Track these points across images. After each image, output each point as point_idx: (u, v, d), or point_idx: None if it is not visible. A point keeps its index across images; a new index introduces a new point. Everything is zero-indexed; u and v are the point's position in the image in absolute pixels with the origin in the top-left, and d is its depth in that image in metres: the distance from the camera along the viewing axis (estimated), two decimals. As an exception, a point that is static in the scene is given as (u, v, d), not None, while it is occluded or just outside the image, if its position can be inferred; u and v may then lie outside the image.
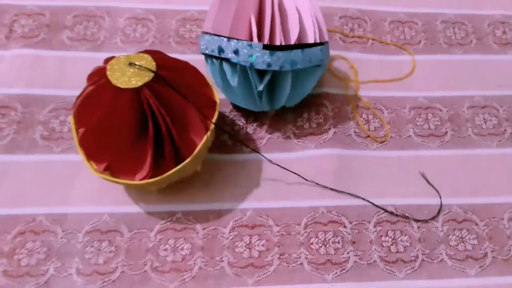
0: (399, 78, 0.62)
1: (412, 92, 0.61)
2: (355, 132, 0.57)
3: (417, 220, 0.51)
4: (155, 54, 0.42)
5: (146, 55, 0.41)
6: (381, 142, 0.56)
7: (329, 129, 0.56)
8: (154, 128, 0.42)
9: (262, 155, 0.52)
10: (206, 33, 0.49)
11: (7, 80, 0.56)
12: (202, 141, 0.43)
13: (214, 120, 0.45)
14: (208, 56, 0.50)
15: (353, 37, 0.66)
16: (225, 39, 0.46)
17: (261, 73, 0.48)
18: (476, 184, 0.54)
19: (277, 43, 0.45)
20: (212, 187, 0.51)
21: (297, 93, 0.52)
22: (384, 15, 0.68)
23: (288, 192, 0.52)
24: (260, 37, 0.46)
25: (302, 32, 0.47)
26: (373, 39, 0.66)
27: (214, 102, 0.46)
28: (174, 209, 0.49)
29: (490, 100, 0.61)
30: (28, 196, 0.49)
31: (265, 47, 0.45)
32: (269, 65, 0.46)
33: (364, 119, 0.58)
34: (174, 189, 0.50)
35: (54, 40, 0.61)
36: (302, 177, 0.51)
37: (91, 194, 0.49)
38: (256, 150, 0.50)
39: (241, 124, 0.56)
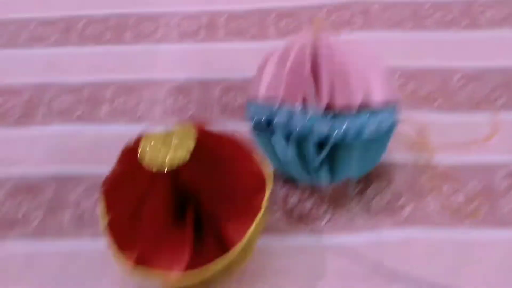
0: (483, 140, 0.52)
1: (502, 155, 0.51)
2: (435, 208, 0.46)
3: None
4: (195, 125, 0.36)
5: (184, 128, 0.35)
6: (473, 217, 0.45)
7: (404, 206, 0.46)
8: (194, 212, 0.34)
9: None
10: (254, 101, 0.43)
11: (42, 159, 0.52)
12: (253, 226, 0.35)
13: (265, 199, 0.37)
14: (256, 127, 0.43)
15: (416, 98, 0.58)
16: (276, 106, 0.40)
17: (319, 143, 0.40)
18: None
19: (339, 106, 0.38)
20: (264, 282, 0.42)
21: (364, 165, 0.43)
22: (451, 73, 0.60)
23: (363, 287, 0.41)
24: (317, 100, 0.39)
25: (367, 92, 0.39)
26: (442, 97, 0.57)
27: (264, 179, 0.38)
28: (219, 311, 0.40)
29: None
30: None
31: (324, 111, 0.38)
32: (329, 134, 0.38)
33: (444, 192, 0.48)
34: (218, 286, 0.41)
35: (94, 115, 0.57)
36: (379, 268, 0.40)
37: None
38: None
39: (296, 199, 0.48)
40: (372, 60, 0.41)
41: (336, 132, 0.38)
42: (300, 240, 0.45)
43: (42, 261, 0.44)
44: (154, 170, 0.33)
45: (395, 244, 0.43)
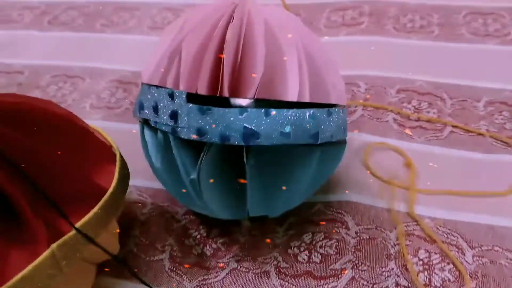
0: (497, 192, 0.34)
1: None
2: (396, 283, 0.29)
3: None
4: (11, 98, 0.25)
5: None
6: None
7: (343, 270, 0.30)
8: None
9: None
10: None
11: None
12: (93, 211, 0.22)
13: (115, 179, 0.24)
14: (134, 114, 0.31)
15: (418, 120, 0.41)
16: (147, 87, 0.27)
17: (198, 147, 0.26)
18: None
19: (225, 94, 0.24)
20: None
21: (278, 196, 0.28)
22: (475, 93, 0.43)
23: None
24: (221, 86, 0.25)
25: (273, 79, 0.25)
26: (454, 125, 0.40)
27: (110, 155, 0.26)
28: None
29: None
30: None
31: (190, 98, 0.24)
32: (200, 132, 0.24)
33: (421, 260, 0.31)
34: None
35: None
36: None
37: None
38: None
39: (197, 237, 0.34)
40: (295, 37, 0.27)
41: (210, 131, 0.24)
42: (178, 295, 0.31)
43: None
44: None
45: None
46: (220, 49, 0.26)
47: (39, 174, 0.23)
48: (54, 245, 0.23)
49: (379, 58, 0.48)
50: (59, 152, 0.25)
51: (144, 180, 0.37)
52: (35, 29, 0.60)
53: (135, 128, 0.38)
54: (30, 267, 0.22)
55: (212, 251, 0.33)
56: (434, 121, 0.41)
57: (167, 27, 0.31)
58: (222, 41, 0.26)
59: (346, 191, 0.35)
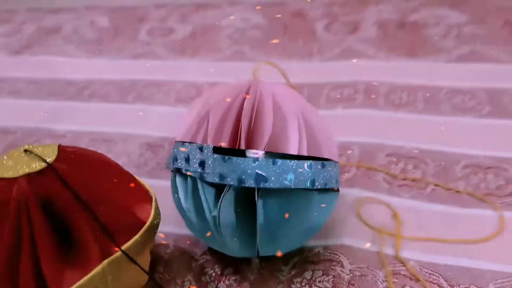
0: (471, 240, 0.40)
1: (495, 263, 0.37)
2: (385, 315, 0.34)
3: None
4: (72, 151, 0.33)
5: (54, 145, 0.32)
6: None
7: (339, 302, 0.35)
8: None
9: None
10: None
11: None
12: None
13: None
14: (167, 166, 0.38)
15: (404, 179, 0.48)
16: (181, 144, 0.35)
17: (220, 189, 0.33)
18: None
19: (243, 146, 0.32)
20: None
21: (283, 232, 0.35)
22: (456, 157, 0.50)
23: None
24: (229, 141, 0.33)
25: (278, 137, 0.33)
26: (435, 184, 0.46)
27: (145, 194, 0.32)
28: None
29: None
30: None
31: (216, 150, 0.32)
32: (222, 177, 0.31)
33: (405, 296, 0.35)
34: None
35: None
36: None
37: None
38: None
39: (212, 275, 0.39)
40: (292, 106, 0.35)
41: (229, 175, 0.31)
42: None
43: None
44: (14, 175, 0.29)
45: None
46: (239, 115, 0.34)
47: (95, 205, 0.30)
48: (105, 262, 0.29)
49: (371, 128, 0.55)
50: (111, 188, 0.32)
51: (168, 226, 0.44)
52: (77, 101, 0.71)
53: (161, 183, 0.45)
54: (84, 278, 0.28)
55: (225, 287, 0.38)
56: (418, 180, 0.47)
57: (194, 100, 0.40)
58: (240, 109, 0.34)
59: (342, 237, 0.41)
